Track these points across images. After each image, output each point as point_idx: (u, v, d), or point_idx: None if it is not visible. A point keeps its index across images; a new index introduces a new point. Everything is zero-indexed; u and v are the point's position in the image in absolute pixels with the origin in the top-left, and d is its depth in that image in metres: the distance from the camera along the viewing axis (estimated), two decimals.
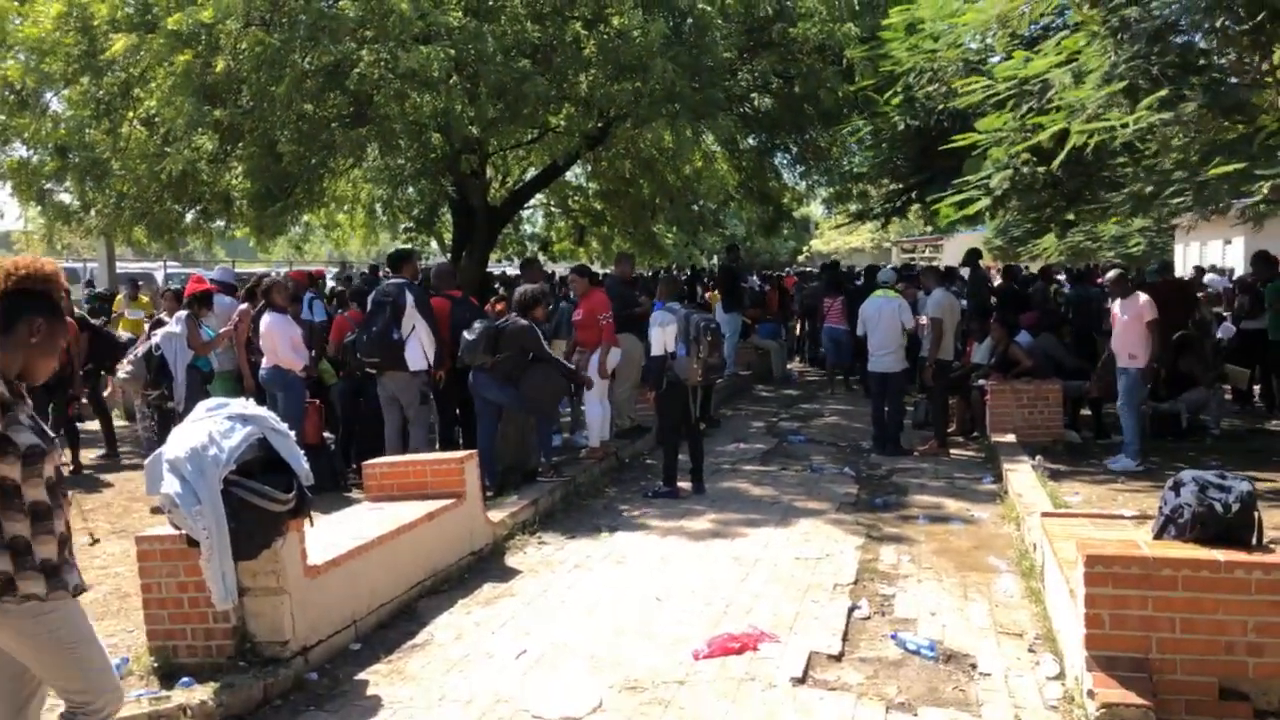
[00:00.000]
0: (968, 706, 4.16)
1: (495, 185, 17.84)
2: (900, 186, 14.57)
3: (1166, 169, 7.60)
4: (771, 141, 16.90)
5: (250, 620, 4.47)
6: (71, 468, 9.09)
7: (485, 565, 6.30)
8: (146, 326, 10.04)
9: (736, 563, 6.24)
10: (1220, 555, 3.75)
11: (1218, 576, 3.73)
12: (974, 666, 4.56)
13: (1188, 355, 9.95)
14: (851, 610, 5.32)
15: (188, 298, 9.06)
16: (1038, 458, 8.41)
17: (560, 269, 22.23)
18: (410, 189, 15.59)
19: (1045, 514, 5.75)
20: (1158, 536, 4.05)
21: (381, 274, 18.08)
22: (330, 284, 15.15)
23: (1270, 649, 3.72)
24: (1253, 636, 3.72)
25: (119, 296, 15.22)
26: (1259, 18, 6.44)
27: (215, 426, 4.26)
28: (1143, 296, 8.54)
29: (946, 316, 9.79)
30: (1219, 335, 11.97)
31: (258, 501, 4.24)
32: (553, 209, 21.07)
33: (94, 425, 10.62)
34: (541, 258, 20.74)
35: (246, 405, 4.54)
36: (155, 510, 6.31)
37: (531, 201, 18.78)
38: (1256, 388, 11.73)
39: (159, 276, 23.13)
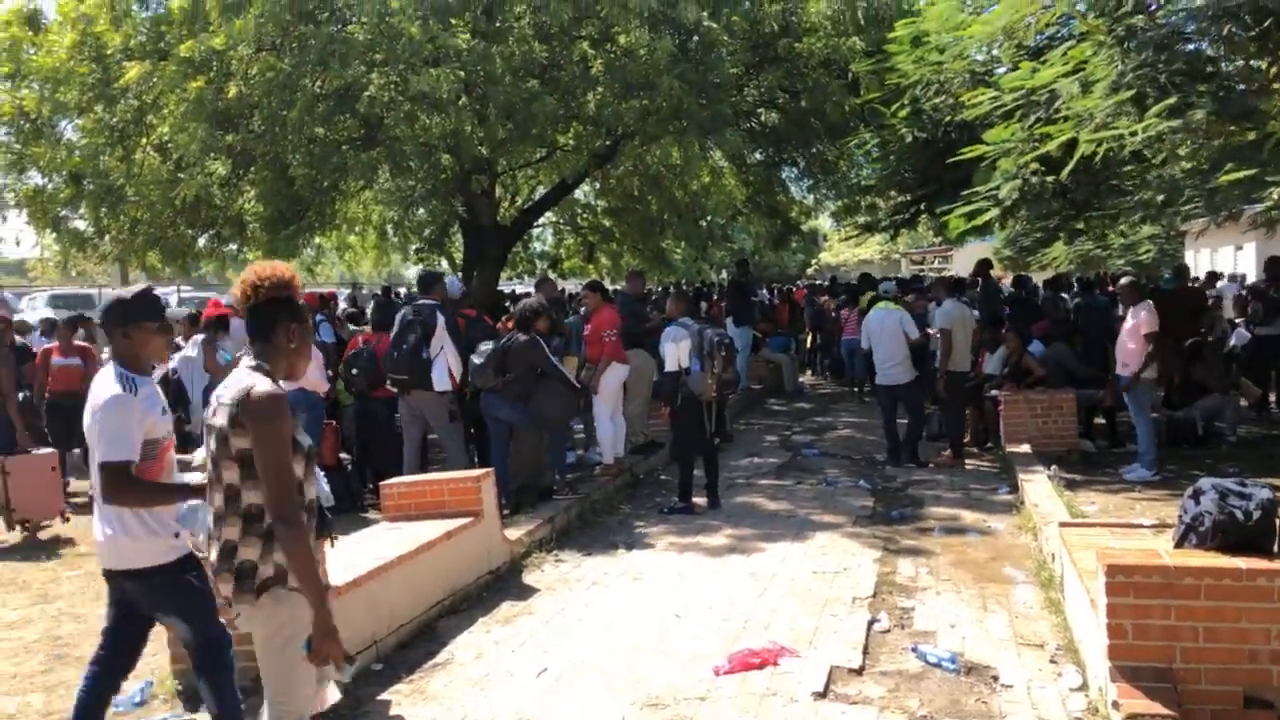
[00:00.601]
0: (991, 719, 4.15)
1: (505, 204, 17.94)
2: (908, 198, 14.59)
3: (1176, 176, 7.61)
4: (779, 156, 16.96)
5: None
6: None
7: (503, 584, 6.32)
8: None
9: (754, 578, 6.24)
10: (1242, 563, 3.75)
11: (1240, 585, 3.72)
12: (995, 678, 4.54)
13: (1200, 362, 9.93)
14: (871, 623, 5.32)
15: (205, 321, 9.11)
16: (1053, 467, 8.40)
17: (571, 285, 22.31)
18: (421, 210, 15.68)
19: (1063, 524, 5.73)
20: (1178, 545, 4.04)
21: (394, 294, 18.19)
22: (342, 306, 15.20)
23: None
24: (1276, 644, 3.71)
25: None
26: (1266, 24, 6.47)
27: None
28: (1145, 308, 8.53)
29: (956, 327, 9.78)
30: (1233, 342, 11.93)
31: None
32: (562, 226, 21.18)
33: None
34: (552, 275, 20.82)
35: None
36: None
37: (541, 220, 18.87)
38: (1272, 395, 11.67)
39: (173, 300, 23.25)
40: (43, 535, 8.30)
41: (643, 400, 10.11)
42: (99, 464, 3.31)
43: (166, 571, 3.45)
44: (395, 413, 8.74)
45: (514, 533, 6.88)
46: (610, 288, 13.12)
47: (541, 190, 18.56)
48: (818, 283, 27.81)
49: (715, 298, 19.00)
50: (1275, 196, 6.84)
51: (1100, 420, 10.52)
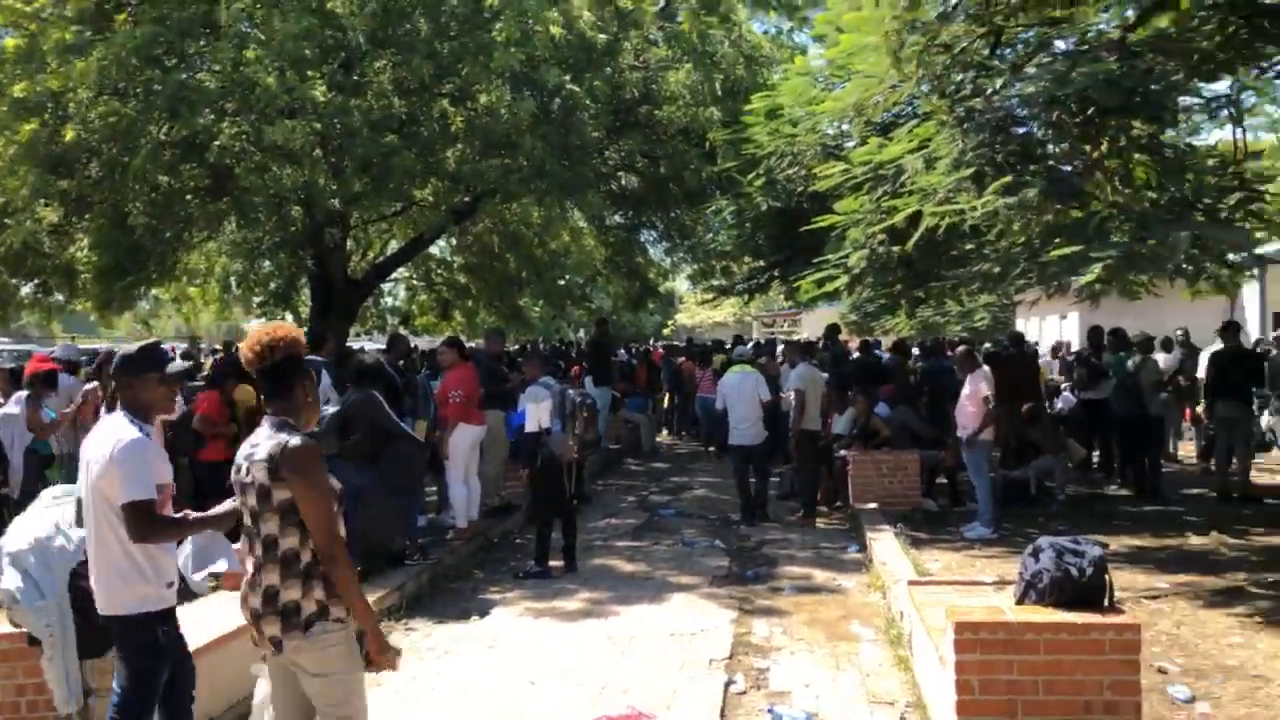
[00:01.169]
0: None
1: (356, 258, 17.60)
2: (763, 264, 15.03)
3: (1011, 250, 8.08)
4: (638, 219, 17.27)
5: None
6: None
7: None
8: None
9: (611, 641, 6.17)
10: (1078, 618, 3.93)
11: (1075, 639, 3.90)
12: None
13: (1035, 425, 10.50)
14: (728, 685, 5.33)
15: (29, 377, 8.49)
16: (899, 525, 8.68)
17: (423, 342, 21.94)
18: (268, 262, 15.21)
19: (911, 582, 5.90)
20: (1020, 601, 4.21)
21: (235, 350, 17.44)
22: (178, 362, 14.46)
23: (1124, 706, 3.90)
24: (1108, 694, 3.89)
25: None
26: (1089, 112, 7.00)
27: (61, 516, 3.98)
28: (982, 374, 9.00)
29: (809, 388, 10.07)
30: (1059, 405, 12.69)
31: None
32: (415, 282, 20.90)
33: None
34: (403, 331, 20.48)
35: None
36: None
37: (394, 275, 18.58)
38: (1095, 454, 12.43)
39: None
40: None
41: (499, 461, 9.94)
42: (123, 505, 3.45)
43: (132, 625, 3.58)
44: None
45: None
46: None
47: (395, 245, 18.30)
48: (675, 343, 28.22)
49: (574, 357, 19.06)
50: (1098, 271, 7.34)
51: (942, 480, 10.96)
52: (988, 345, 16.75)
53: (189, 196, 10.52)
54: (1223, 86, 10.18)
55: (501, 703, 5.12)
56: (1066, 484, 10.70)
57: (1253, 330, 16.50)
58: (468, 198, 12.43)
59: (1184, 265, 8.03)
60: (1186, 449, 14.16)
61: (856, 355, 14.07)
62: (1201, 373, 11.81)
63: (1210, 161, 9.79)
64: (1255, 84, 10.47)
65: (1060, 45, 9.16)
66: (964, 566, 7.66)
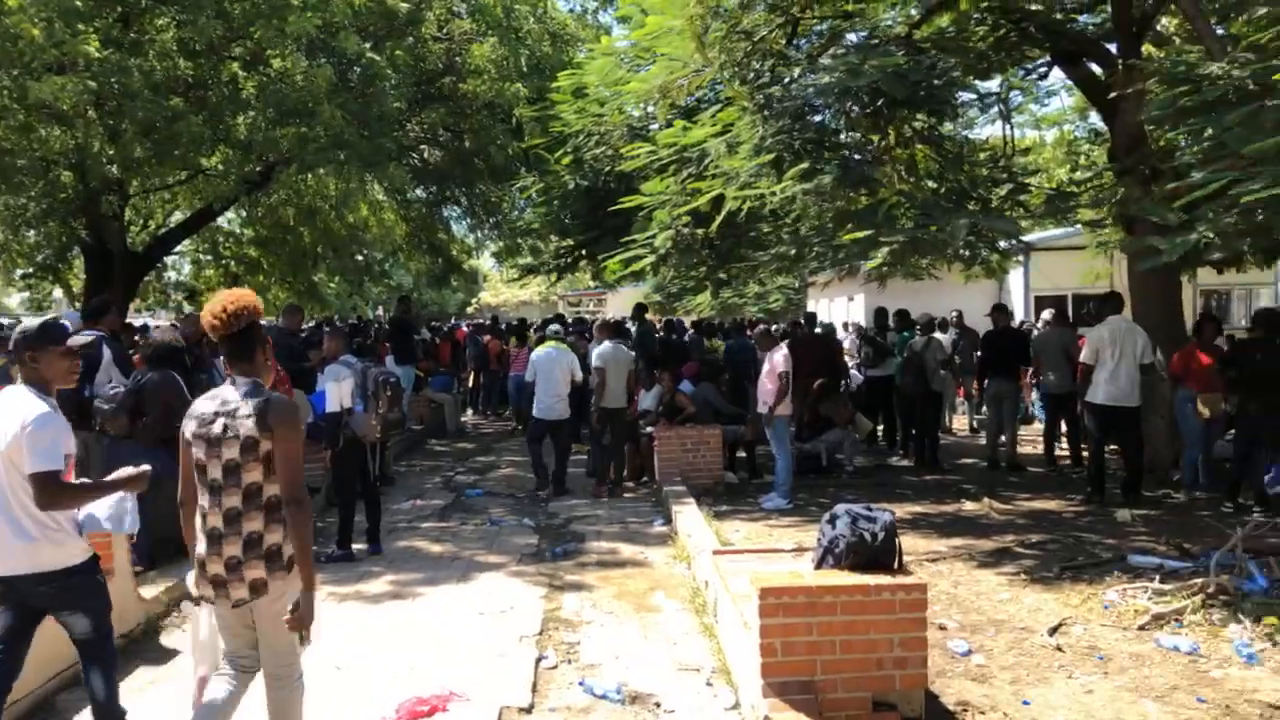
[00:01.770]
0: None
1: (136, 229, 16.43)
2: (571, 243, 15.08)
3: (806, 234, 8.46)
4: (441, 194, 16.93)
5: None
6: None
7: (137, 648, 5.67)
8: None
9: (419, 623, 6.07)
10: (871, 580, 4.18)
11: (869, 600, 4.15)
12: (659, 705, 4.73)
13: (828, 400, 11.06)
14: (539, 661, 5.35)
15: None
16: (702, 498, 8.95)
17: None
18: (33, 231, 13.99)
19: (715, 551, 6.11)
20: (818, 566, 4.44)
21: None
22: None
23: (912, 661, 4.18)
24: (898, 651, 4.16)
25: None
26: (879, 104, 7.40)
27: None
28: (779, 352, 9.40)
29: (610, 366, 10.28)
30: (849, 382, 13.41)
31: None
32: (201, 255, 19.73)
33: None
34: (189, 307, 19.36)
35: None
36: None
37: (179, 247, 17.47)
38: (880, 428, 13.23)
39: None
40: None
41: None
42: (31, 474, 3.59)
43: (84, 571, 3.83)
44: None
45: (151, 590, 6.22)
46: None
47: (179, 215, 17.21)
48: (480, 321, 27.87)
49: (374, 335, 18.54)
50: (884, 254, 7.80)
51: (742, 454, 11.38)
52: (778, 326, 17.46)
53: None
54: (995, 85, 11.03)
55: (307, 690, 4.94)
56: (855, 455, 11.34)
57: (1018, 312, 17.99)
58: (260, 167, 11.81)
59: (963, 251, 8.63)
60: (959, 422, 15.31)
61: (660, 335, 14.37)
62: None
63: (983, 155, 10.59)
64: (1022, 84, 11.38)
65: (852, 38, 9.65)
66: (763, 536, 7.99)
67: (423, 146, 15.41)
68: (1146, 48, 9.85)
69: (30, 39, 8.66)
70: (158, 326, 11.60)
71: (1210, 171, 5.90)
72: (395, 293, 23.28)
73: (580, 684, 4.97)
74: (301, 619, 3.46)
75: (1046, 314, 12.51)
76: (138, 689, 5.08)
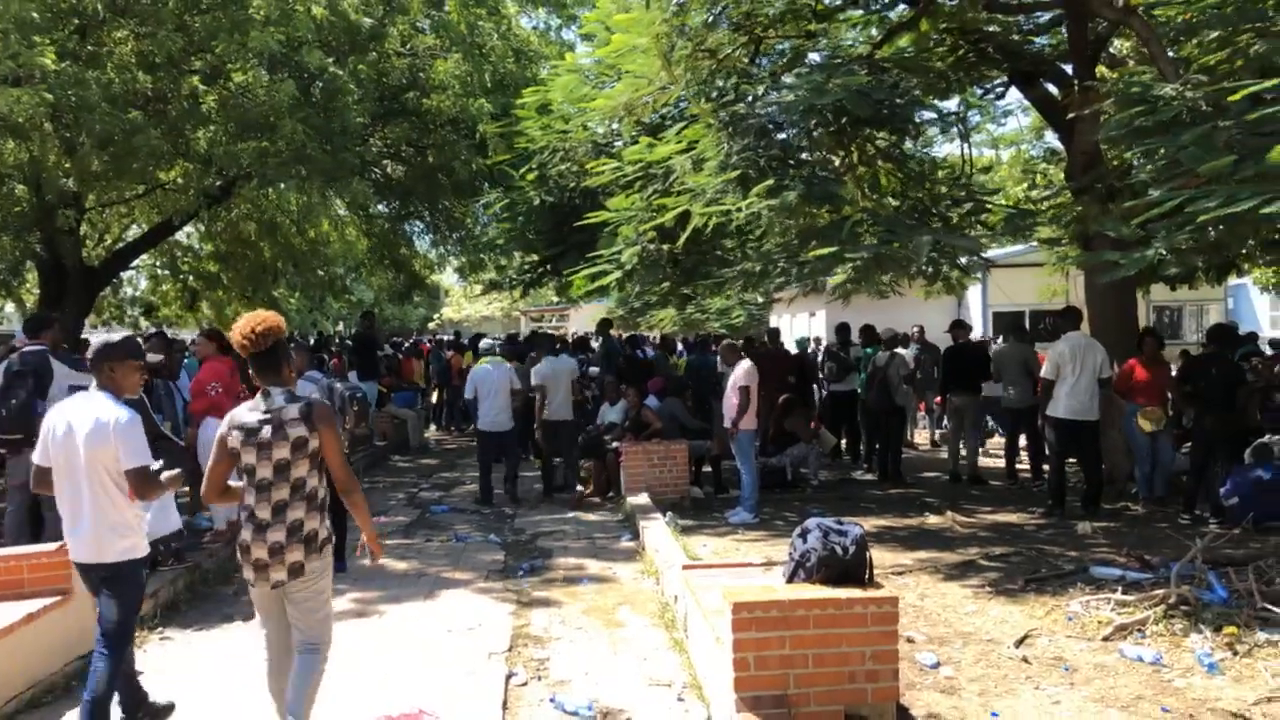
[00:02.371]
0: None
1: (92, 243, 16.17)
2: (536, 258, 15.06)
3: (771, 250, 8.53)
4: (404, 209, 16.83)
5: None
6: None
7: None
8: None
9: (386, 642, 6.01)
10: (843, 594, 4.21)
11: (841, 613, 4.17)
12: None
13: (792, 415, 11.12)
14: (509, 678, 5.31)
15: None
16: (669, 514, 8.95)
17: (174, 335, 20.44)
18: None
19: (685, 566, 6.11)
20: (790, 580, 4.46)
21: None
22: None
23: (883, 674, 4.21)
24: (870, 664, 4.19)
25: None
26: (843, 121, 7.49)
27: None
28: (742, 366, 9.45)
29: (549, 382, 10.83)
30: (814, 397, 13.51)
31: None
32: (159, 270, 19.46)
33: None
34: (146, 323, 19.09)
35: None
36: None
37: (135, 262, 17.21)
38: (843, 443, 13.32)
39: None
40: None
41: None
42: (129, 470, 4.12)
43: (138, 565, 4.33)
44: None
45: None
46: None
47: (136, 230, 16.96)
48: (443, 337, 27.71)
49: (335, 350, 18.36)
50: (849, 271, 7.88)
51: (708, 469, 11.41)
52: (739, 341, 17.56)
53: None
54: (953, 104, 11.22)
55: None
56: (819, 470, 11.40)
57: (976, 328, 18.23)
58: (220, 181, 11.68)
59: (925, 267, 8.74)
60: (920, 436, 15.46)
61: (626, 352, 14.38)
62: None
63: (942, 173, 10.75)
64: (979, 103, 11.58)
65: (814, 57, 9.77)
66: (731, 550, 8.00)
67: (386, 162, 15.33)
68: (1100, 69, 10.07)
69: None
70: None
71: (1166, 190, 6.04)
72: (356, 308, 23.04)
73: (551, 700, 4.95)
74: (373, 551, 4.16)
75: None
76: None
